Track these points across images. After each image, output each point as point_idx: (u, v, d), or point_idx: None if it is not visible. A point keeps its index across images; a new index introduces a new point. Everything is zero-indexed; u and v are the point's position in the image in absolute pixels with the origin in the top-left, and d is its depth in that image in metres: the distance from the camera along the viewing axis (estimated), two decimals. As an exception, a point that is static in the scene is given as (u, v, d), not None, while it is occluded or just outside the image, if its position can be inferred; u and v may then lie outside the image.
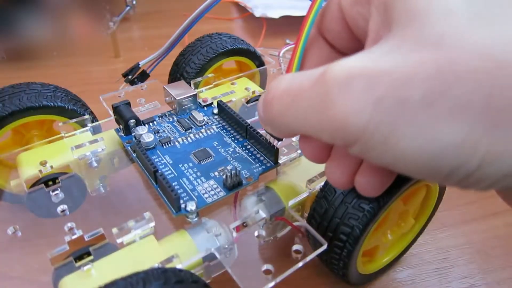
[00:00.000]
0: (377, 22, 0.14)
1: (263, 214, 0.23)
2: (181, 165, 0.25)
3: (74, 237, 0.20)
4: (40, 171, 0.26)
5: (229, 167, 0.25)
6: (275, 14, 0.60)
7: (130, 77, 0.35)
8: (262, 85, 0.38)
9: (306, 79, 0.13)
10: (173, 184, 0.24)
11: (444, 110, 0.10)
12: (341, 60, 0.12)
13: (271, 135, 0.23)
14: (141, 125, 0.28)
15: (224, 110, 0.29)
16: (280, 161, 0.25)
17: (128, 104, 0.29)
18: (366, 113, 0.11)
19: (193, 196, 0.23)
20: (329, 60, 0.18)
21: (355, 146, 0.12)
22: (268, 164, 0.25)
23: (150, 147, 0.26)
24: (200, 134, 0.28)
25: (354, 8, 0.15)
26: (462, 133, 0.10)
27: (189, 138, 0.28)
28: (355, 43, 0.17)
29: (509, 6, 0.11)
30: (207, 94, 0.33)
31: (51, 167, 0.26)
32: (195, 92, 0.30)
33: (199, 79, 0.34)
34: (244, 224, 0.22)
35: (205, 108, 0.31)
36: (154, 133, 0.28)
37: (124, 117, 0.27)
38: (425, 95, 0.11)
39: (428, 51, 0.11)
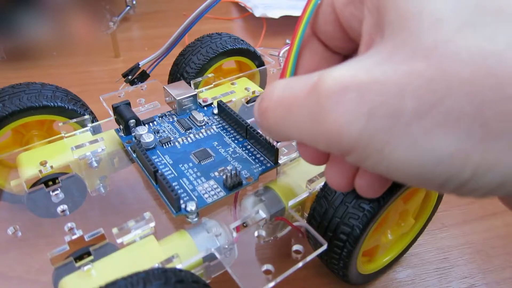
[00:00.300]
0: (370, 24, 0.14)
1: (263, 214, 0.23)
2: (181, 165, 0.25)
3: (74, 237, 0.20)
4: (40, 171, 0.26)
5: (229, 167, 0.25)
6: (275, 14, 0.60)
7: (130, 77, 0.34)
8: (262, 85, 0.38)
9: (299, 88, 0.13)
10: (173, 184, 0.24)
11: (437, 121, 0.10)
12: (333, 69, 0.12)
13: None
14: (141, 125, 0.28)
15: (224, 110, 0.29)
16: (280, 161, 0.25)
17: (128, 104, 0.29)
18: (359, 125, 0.11)
19: (193, 196, 0.23)
20: (324, 61, 0.18)
21: (351, 156, 0.12)
22: (268, 164, 0.25)
23: (150, 147, 0.26)
24: (200, 134, 0.28)
25: (347, 9, 0.15)
26: (455, 144, 0.10)
27: (189, 138, 0.28)
28: (349, 43, 0.17)
29: (500, 13, 0.10)
30: (207, 94, 0.33)
31: (51, 167, 0.26)
32: (195, 92, 0.30)
33: (199, 79, 0.34)
34: (244, 224, 0.22)
35: (205, 108, 0.31)
36: (154, 133, 0.28)
37: (124, 117, 0.27)
38: (417, 107, 0.10)
39: (419, 61, 0.11)
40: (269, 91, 0.15)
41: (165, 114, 0.30)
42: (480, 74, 0.10)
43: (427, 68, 0.10)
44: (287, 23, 0.61)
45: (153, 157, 0.26)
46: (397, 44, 0.11)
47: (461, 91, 0.10)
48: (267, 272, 0.21)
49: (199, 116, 0.29)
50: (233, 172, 0.23)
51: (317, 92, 0.12)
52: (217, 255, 0.21)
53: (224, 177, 0.24)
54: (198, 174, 0.25)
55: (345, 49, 0.17)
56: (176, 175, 0.25)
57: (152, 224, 0.21)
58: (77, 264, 0.19)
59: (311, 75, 0.13)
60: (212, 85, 0.34)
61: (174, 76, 0.35)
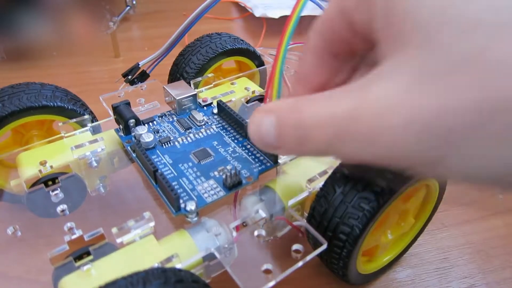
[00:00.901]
0: (382, 28, 0.13)
1: (263, 213, 0.23)
2: (181, 164, 0.25)
3: (74, 237, 0.20)
4: (40, 171, 0.26)
5: (229, 167, 0.25)
6: (275, 14, 0.60)
7: (130, 77, 0.35)
8: (262, 85, 0.38)
9: (341, 109, 0.13)
10: (173, 183, 0.24)
11: (491, 136, 0.10)
12: (371, 90, 0.12)
13: None
14: (141, 125, 0.28)
15: (223, 110, 0.29)
16: (280, 161, 0.25)
17: (128, 104, 0.29)
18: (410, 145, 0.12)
19: (193, 195, 0.23)
20: (333, 73, 0.17)
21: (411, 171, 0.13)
22: (268, 164, 0.25)
23: (150, 147, 0.26)
24: (200, 134, 0.28)
25: (358, 12, 0.14)
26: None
27: (188, 138, 0.28)
28: (368, 44, 0.16)
29: None
30: (207, 94, 0.33)
31: (51, 167, 0.26)
32: (195, 92, 0.30)
33: (199, 79, 0.34)
34: (244, 224, 0.22)
35: (204, 108, 0.31)
36: (154, 133, 0.28)
37: (124, 117, 0.27)
38: (463, 129, 0.10)
39: (459, 77, 0.10)
40: (262, 128, 0.15)
41: (165, 114, 0.30)
42: None
43: (470, 85, 0.10)
44: (287, 23, 0.61)
45: (153, 157, 0.26)
46: (428, 56, 0.11)
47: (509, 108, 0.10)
48: (267, 271, 0.21)
49: (198, 115, 0.29)
50: (233, 171, 0.23)
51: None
52: (217, 254, 0.21)
53: (223, 176, 0.24)
54: (198, 173, 0.25)
55: (364, 49, 0.16)
56: (176, 174, 0.25)
57: (152, 224, 0.21)
58: (77, 264, 0.19)
59: (348, 93, 0.13)
60: (212, 85, 0.34)
61: (174, 76, 0.35)
